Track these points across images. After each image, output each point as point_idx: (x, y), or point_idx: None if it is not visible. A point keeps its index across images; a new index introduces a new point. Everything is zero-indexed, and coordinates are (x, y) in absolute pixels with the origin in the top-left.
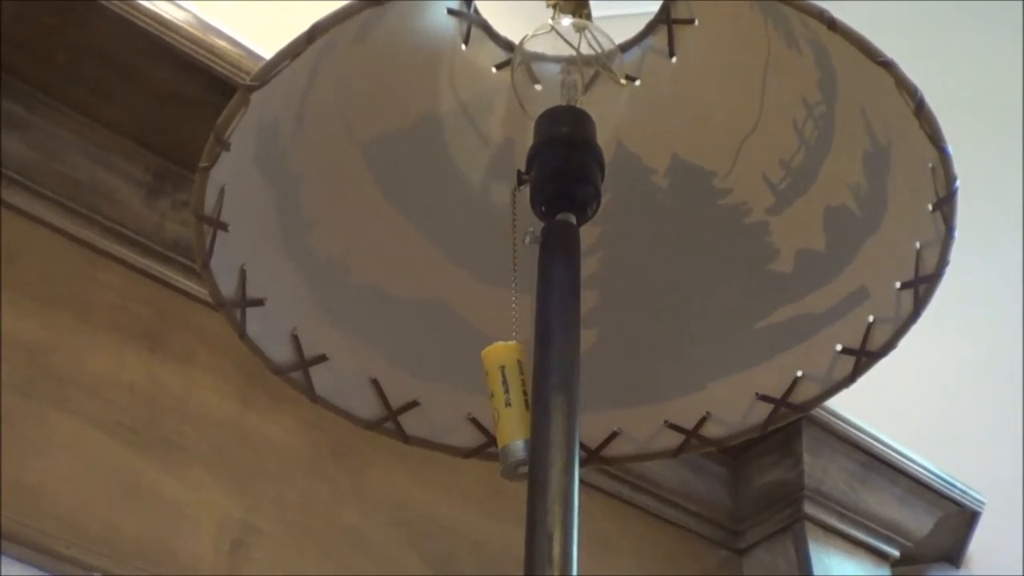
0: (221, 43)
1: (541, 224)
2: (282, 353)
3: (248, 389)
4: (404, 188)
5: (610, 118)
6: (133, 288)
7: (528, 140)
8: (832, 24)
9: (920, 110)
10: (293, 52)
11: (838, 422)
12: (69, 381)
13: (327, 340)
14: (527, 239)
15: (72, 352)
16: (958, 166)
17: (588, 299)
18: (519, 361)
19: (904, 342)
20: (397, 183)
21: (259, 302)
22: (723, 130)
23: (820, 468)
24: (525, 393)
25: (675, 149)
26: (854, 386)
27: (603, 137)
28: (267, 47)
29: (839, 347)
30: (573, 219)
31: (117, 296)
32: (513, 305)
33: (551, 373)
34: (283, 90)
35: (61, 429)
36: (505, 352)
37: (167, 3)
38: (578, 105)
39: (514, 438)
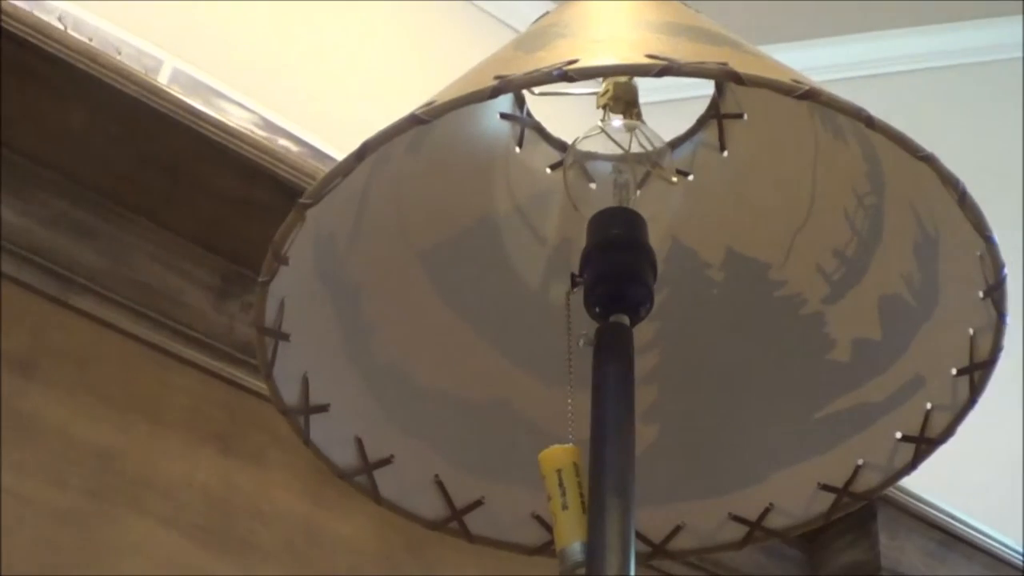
0: (284, 143)
1: (595, 326)
2: (347, 457)
3: (319, 487)
4: (463, 292)
5: (664, 214)
6: (205, 390)
7: (583, 240)
8: (870, 122)
9: (963, 201)
10: (344, 170)
11: (913, 501)
12: (142, 484)
13: (391, 443)
14: (581, 342)
15: (145, 455)
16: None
17: (648, 394)
18: (575, 464)
19: (977, 416)
20: (455, 287)
21: (323, 408)
22: (776, 222)
23: (897, 548)
24: (582, 495)
25: (729, 242)
26: (927, 463)
27: (658, 233)
28: (332, 141)
29: (899, 435)
30: (626, 320)
31: (189, 398)
32: (569, 408)
33: (606, 476)
34: (338, 203)
35: (135, 532)
36: (561, 455)
37: (232, 105)
38: (631, 204)
39: (571, 541)
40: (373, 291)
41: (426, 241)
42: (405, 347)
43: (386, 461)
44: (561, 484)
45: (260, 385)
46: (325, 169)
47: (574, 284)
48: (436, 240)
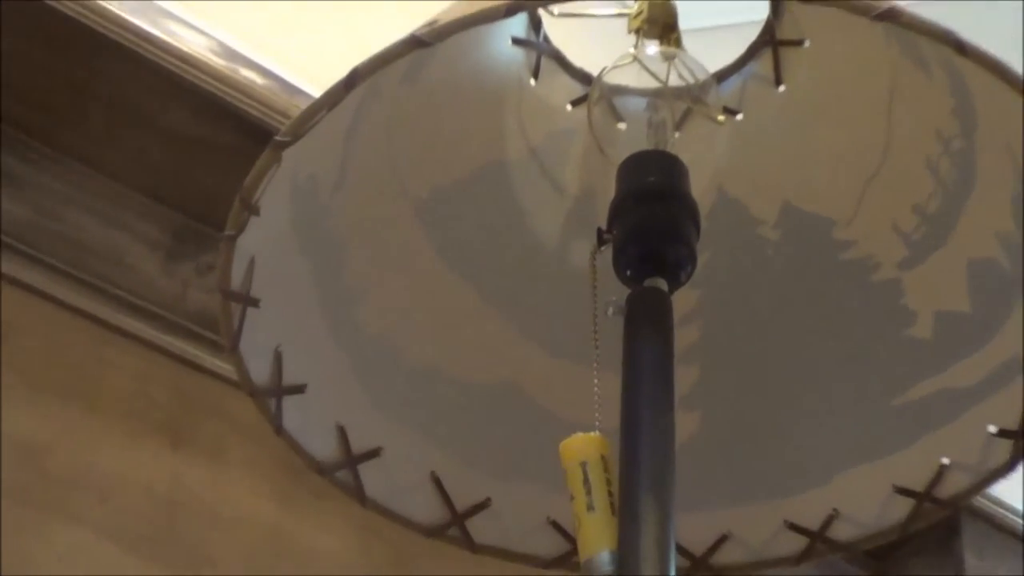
0: (249, 75)
1: (626, 292)
2: (326, 448)
3: (290, 488)
4: (466, 251)
5: (708, 161)
6: (151, 370)
7: (611, 190)
8: (961, 48)
9: None
10: (330, 102)
11: (1006, 514)
12: (75, 484)
13: (379, 432)
14: (610, 310)
15: (78, 450)
16: None
17: (687, 376)
18: (603, 456)
19: None
20: (458, 245)
21: (298, 389)
22: (843, 170)
23: (986, 570)
24: (611, 495)
25: (787, 195)
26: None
27: (701, 183)
28: (305, 76)
29: (992, 428)
30: (664, 285)
31: (132, 380)
32: (595, 389)
33: (641, 472)
34: (321, 143)
35: (62, 542)
36: (586, 446)
37: (186, 28)
38: (668, 148)
39: (599, 549)
40: (360, 249)
41: (424, 189)
42: (397, 316)
43: (373, 453)
44: (586, 481)
45: (219, 363)
46: (297, 105)
47: (601, 242)
48: (436, 188)
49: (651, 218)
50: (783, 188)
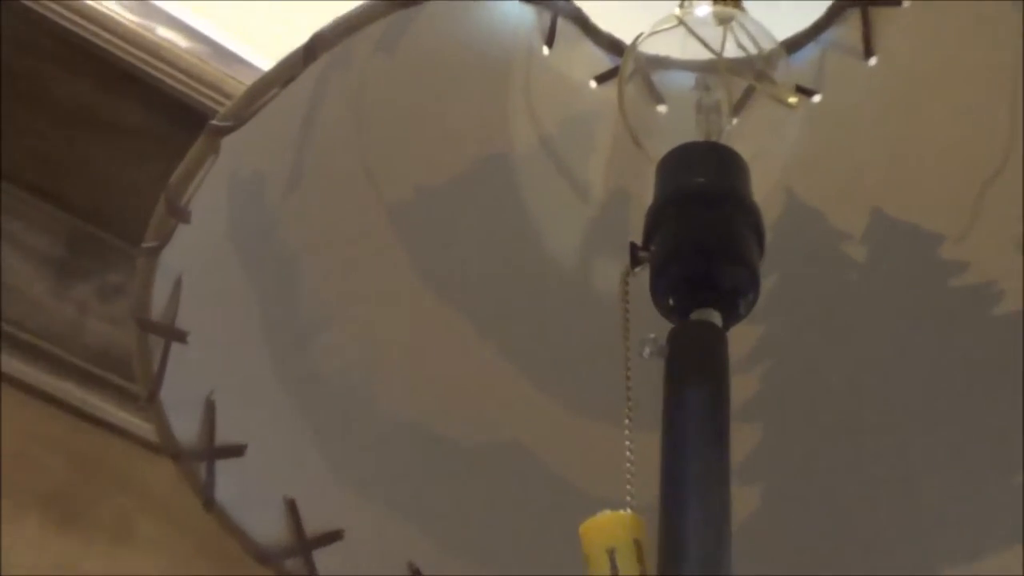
0: (169, 36)
1: (668, 327)
2: (272, 529)
3: None
4: (458, 271)
5: (775, 156)
6: (37, 425)
7: (648, 193)
8: None
9: None
10: (283, 77)
11: None
12: None
13: (341, 508)
14: (646, 351)
15: None
16: None
17: (746, 438)
18: (637, 541)
19: None
20: (447, 263)
21: (236, 451)
22: (953, 169)
23: None
24: None
25: (877, 201)
26: None
27: (765, 186)
28: (246, 39)
29: None
30: (717, 319)
31: (13, 439)
32: (627, 453)
33: (687, 561)
34: (271, 130)
35: None
36: (615, 528)
37: None
38: (723, 139)
39: None
40: (319, 266)
41: (402, 190)
42: (367, 355)
43: (334, 536)
44: (615, 572)
45: (128, 417)
46: (236, 79)
47: (635, 261)
48: (416, 189)
49: (700, 230)
50: (873, 192)
